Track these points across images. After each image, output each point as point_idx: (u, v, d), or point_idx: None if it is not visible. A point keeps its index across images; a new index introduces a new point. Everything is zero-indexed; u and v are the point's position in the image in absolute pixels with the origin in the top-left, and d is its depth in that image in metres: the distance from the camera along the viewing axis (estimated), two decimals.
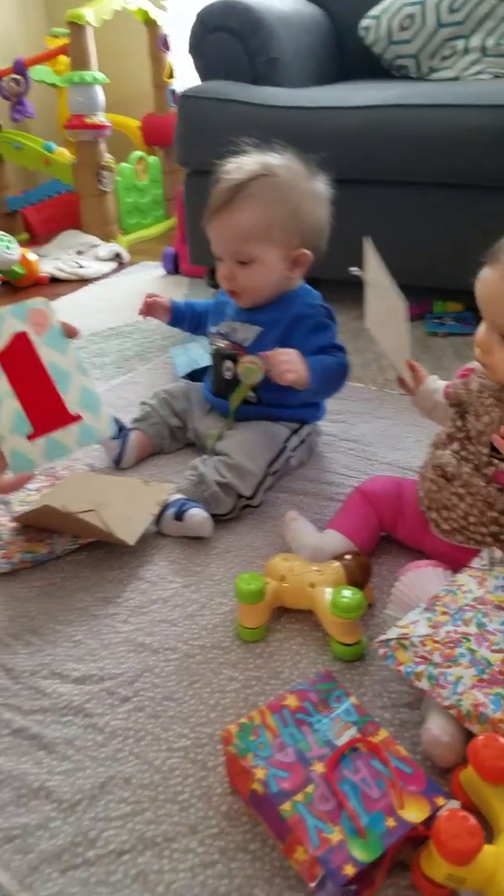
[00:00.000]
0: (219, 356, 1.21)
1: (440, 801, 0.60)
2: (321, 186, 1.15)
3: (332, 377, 1.15)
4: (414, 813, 0.59)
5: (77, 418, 0.77)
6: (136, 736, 0.76)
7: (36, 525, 1.07)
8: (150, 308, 1.31)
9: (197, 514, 1.05)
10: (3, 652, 0.88)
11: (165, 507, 1.07)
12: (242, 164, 1.14)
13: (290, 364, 1.07)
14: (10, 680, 0.84)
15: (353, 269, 0.96)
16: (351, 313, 1.01)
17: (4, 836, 0.68)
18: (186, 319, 1.33)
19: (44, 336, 0.77)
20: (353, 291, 1.03)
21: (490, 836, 0.62)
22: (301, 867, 0.59)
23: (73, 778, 0.72)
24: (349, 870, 0.56)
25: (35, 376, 0.76)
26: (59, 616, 0.93)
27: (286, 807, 0.60)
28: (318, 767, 0.63)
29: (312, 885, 0.57)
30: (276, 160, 1.14)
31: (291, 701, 0.70)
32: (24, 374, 0.76)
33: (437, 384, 1.02)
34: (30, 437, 0.75)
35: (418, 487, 0.97)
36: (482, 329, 0.85)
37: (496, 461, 0.86)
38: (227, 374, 1.19)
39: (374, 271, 0.98)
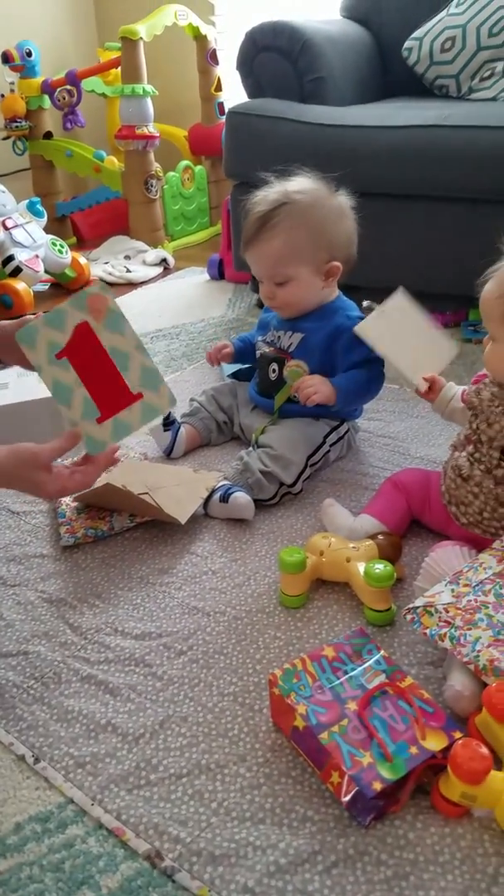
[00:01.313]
0: (265, 360, 1.31)
1: (457, 734, 0.70)
2: (343, 201, 1.25)
3: (363, 390, 1.26)
4: (434, 743, 0.69)
5: (139, 397, 0.85)
6: (191, 683, 0.87)
7: (95, 505, 1.19)
8: (219, 357, 1.42)
9: (241, 496, 1.15)
10: (71, 613, 1.00)
11: (213, 491, 1.18)
12: (266, 196, 1.24)
13: (314, 388, 1.20)
14: (78, 636, 0.96)
15: (367, 303, 1.05)
16: None
17: (76, 762, 0.78)
18: (247, 353, 1.43)
19: (102, 321, 0.85)
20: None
21: (500, 768, 0.71)
22: (336, 787, 0.69)
23: (136, 716, 0.83)
24: (377, 785, 0.66)
25: (98, 362, 0.84)
26: (120, 583, 1.05)
27: (324, 736, 0.71)
28: (352, 706, 0.73)
29: (346, 799, 0.67)
30: (295, 186, 1.23)
31: (329, 651, 0.80)
32: (88, 363, 0.84)
33: (453, 391, 1.10)
34: (98, 421, 0.83)
35: (441, 483, 1.05)
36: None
37: None
38: (273, 375, 1.30)
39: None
